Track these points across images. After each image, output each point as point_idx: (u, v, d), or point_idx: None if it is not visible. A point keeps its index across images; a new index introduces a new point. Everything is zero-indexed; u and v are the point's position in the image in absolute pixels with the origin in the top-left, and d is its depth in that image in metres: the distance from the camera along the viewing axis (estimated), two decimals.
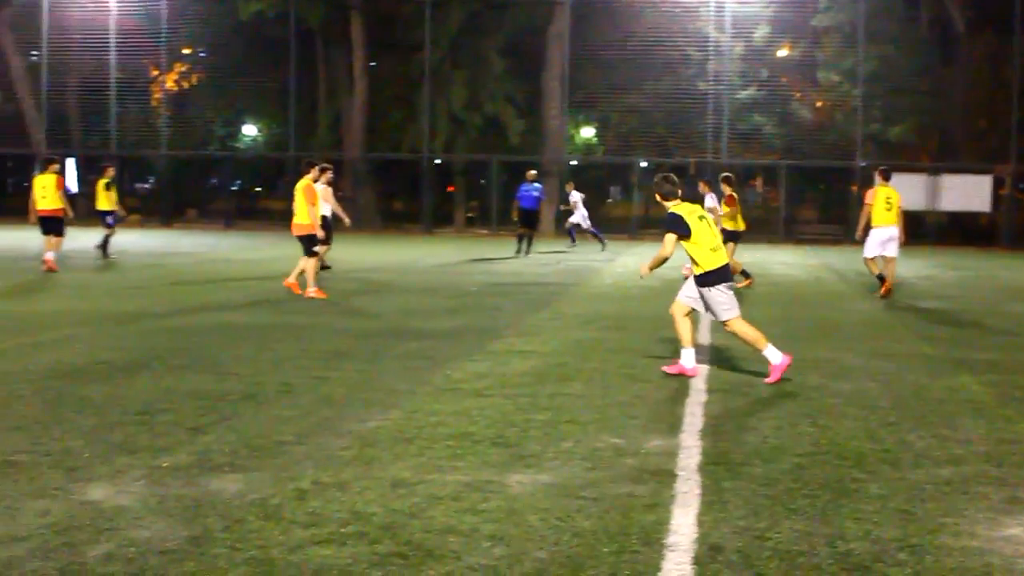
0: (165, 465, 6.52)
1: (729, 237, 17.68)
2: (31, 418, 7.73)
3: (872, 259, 17.88)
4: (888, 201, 17.55)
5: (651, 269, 10.70)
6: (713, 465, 6.69)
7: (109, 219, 23.61)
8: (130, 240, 29.40)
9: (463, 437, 7.30)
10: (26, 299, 15.86)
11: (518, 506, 5.80)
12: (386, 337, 12.09)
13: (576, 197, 30.59)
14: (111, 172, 24.04)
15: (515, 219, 27.25)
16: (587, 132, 44.10)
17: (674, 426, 7.78)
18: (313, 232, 16.21)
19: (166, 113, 40.89)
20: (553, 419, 7.94)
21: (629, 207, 41.06)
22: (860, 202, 37.20)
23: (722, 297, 9.86)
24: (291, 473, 6.36)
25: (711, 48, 37.60)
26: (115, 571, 4.79)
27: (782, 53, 39.23)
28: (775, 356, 9.70)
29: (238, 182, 44.43)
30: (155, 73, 40.77)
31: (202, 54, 43.17)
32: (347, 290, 17.37)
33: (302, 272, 16.44)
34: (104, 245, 23.23)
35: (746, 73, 37.91)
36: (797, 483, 6.35)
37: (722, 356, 11.07)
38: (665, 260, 10.29)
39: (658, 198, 10.28)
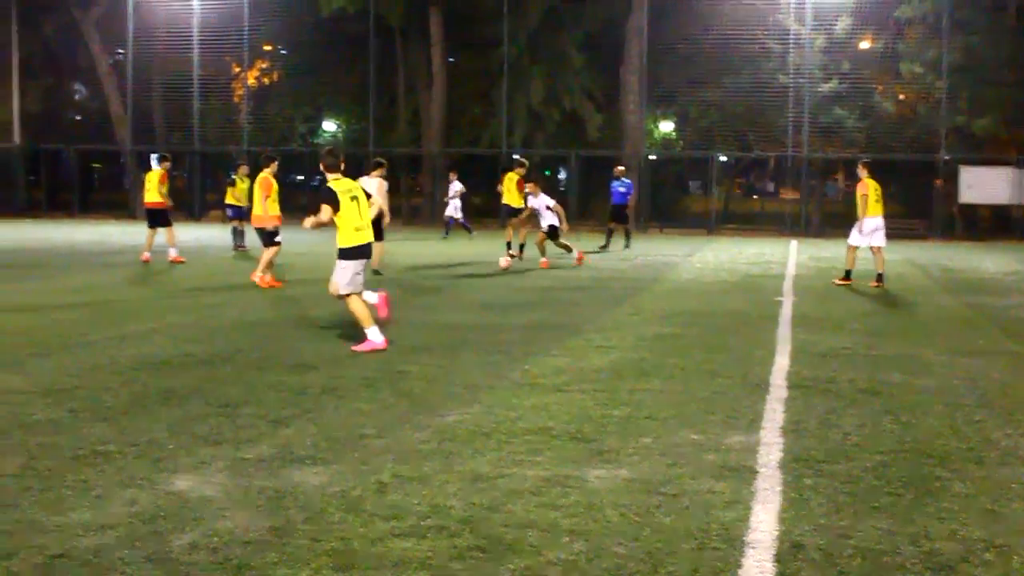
0: (248, 457, 6.61)
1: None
2: (118, 409, 7.89)
3: (855, 248, 18.57)
4: (877, 192, 18.49)
5: (312, 227, 11.34)
6: (794, 462, 6.63)
7: (230, 211, 24.85)
8: (214, 234, 29.80)
9: (542, 432, 7.31)
10: (113, 292, 16.15)
11: (597, 501, 5.80)
12: (465, 332, 12.13)
13: (457, 188, 32.05)
14: (244, 170, 24.61)
15: (608, 214, 27.73)
16: (666, 126, 43.86)
17: (754, 422, 7.73)
18: (266, 225, 16.78)
19: (247, 109, 41.38)
20: (632, 414, 7.92)
21: (708, 202, 40.74)
22: (944, 197, 36.69)
23: (349, 273, 10.91)
24: (371, 466, 6.42)
25: (791, 41, 37.18)
26: (200, 560, 4.87)
27: (864, 45, 38.68)
28: (376, 336, 10.71)
29: (318, 177, 44.75)
30: (237, 70, 41.27)
31: (283, 51, 43.61)
32: (425, 284, 17.46)
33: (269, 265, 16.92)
34: (238, 235, 24.56)
35: (827, 66, 37.43)
36: (880, 481, 6.28)
37: (803, 353, 10.95)
38: (322, 224, 11.02)
39: (322, 167, 11.25)
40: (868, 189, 18.32)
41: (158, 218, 21.10)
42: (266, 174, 17.06)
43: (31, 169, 44.02)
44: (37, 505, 5.62)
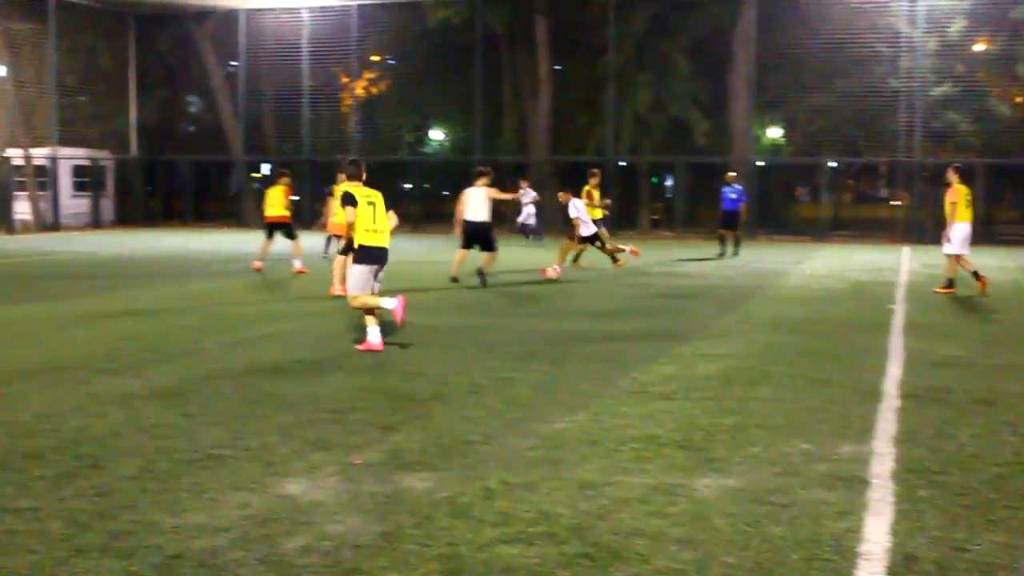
0: (358, 462, 6.69)
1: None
2: (231, 414, 8.04)
3: (961, 256, 17.89)
4: (967, 197, 17.88)
5: (345, 232, 11.91)
6: (908, 473, 6.51)
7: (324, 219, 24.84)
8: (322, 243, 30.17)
9: (650, 440, 7.28)
10: (226, 299, 16.47)
11: (706, 510, 5.76)
12: (572, 339, 12.14)
13: (531, 195, 31.83)
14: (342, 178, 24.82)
15: (718, 221, 27.46)
16: (774, 132, 43.35)
17: (866, 432, 7.60)
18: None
19: (356, 119, 41.90)
20: (741, 423, 7.84)
21: (817, 208, 40.17)
22: None
23: (361, 276, 11.44)
24: (479, 472, 6.45)
25: (903, 44, 36.50)
26: (311, 563, 4.95)
27: (979, 47, 37.80)
28: (375, 336, 11.19)
29: (426, 186, 45.23)
30: (345, 80, 41.80)
31: (391, 61, 44.08)
32: (532, 292, 17.49)
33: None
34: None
35: (940, 69, 36.65)
36: (997, 493, 6.13)
37: (917, 362, 10.75)
38: (351, 226, 11.48)
39: (344, 176, 12.00)
40: (958, 195, 17.71)
41: (282, 231, 21.32)
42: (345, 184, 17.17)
43: (147, 179, 45.11)
44: (154, 507, 5.76)
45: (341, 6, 39.78)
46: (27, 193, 37.61)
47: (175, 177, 45.13)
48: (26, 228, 36.86)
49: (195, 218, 43.03)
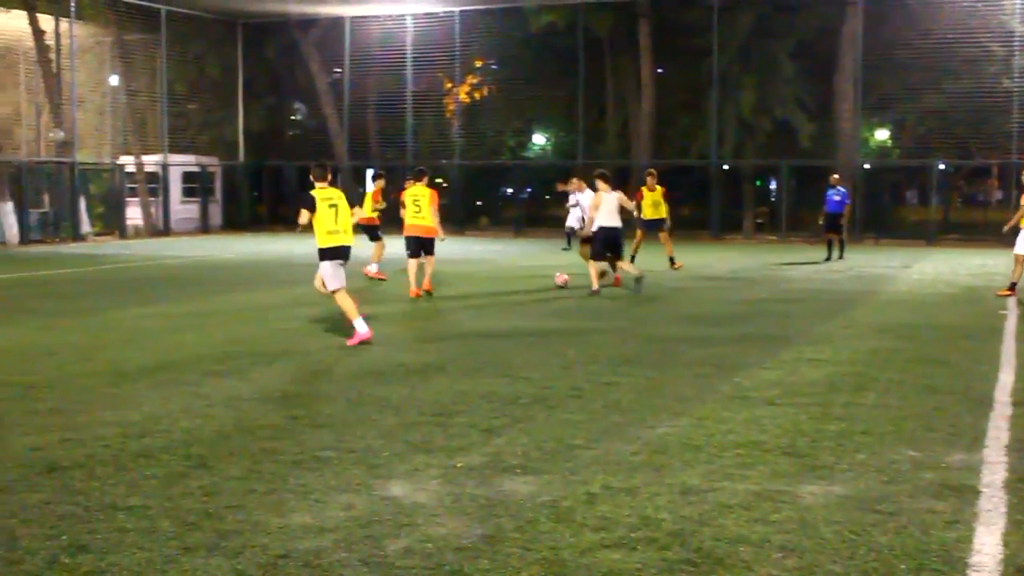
0: (460, 465, 6.73)
1: None
2: (336, 417, 8.15)
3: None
4: None
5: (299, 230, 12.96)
6: (1020, 483, 6.35)
7: None
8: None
9: (753, 446, 7.21)
10: (328, 303, 16.66)
11: (810, 518, 5.68)
12: (674, 343, 12.06)
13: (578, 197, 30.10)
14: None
15: (820, 223, 26.96)
16: (881, 134, 42.59)
17: (977, 440, 7.43)
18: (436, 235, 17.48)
19: (458, 124, 42.13)
20: (846, 430, 7.73)
21: (926, 211, 39.34)
22: None
23: (329, 270, 12.24)
24: (581, 476, 6.45)
25: (1016, 43, 35.63)
26: (413, 565, 4.99)
27: None
28: (362, 327, 11.96)
29: (528, 190, 45.30)
30: (448, 86, 42.05)
31: (493, 66, 44.23)
32: (635, 296, 17.38)
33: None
34: None
35: None
36: None
37: None
38: (303, 226, 12.60)
39: (311, 177, 12.45)
40: None
41: (368, 233, 21.43)
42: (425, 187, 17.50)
43: (254, 185, 45.85)
44: (261, 507, 5.86)
45: (444, 12, 40.04)
46: (139, 199, 38.50)
47: (281, 183, 45.81)
48: (138, 233, 37.73)
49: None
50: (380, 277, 20.34)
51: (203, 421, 7.99)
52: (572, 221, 29.48)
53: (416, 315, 15.06)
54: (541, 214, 42.53)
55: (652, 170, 24.25)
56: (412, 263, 17.18)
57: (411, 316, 14.94)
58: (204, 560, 5.04)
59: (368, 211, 21.31)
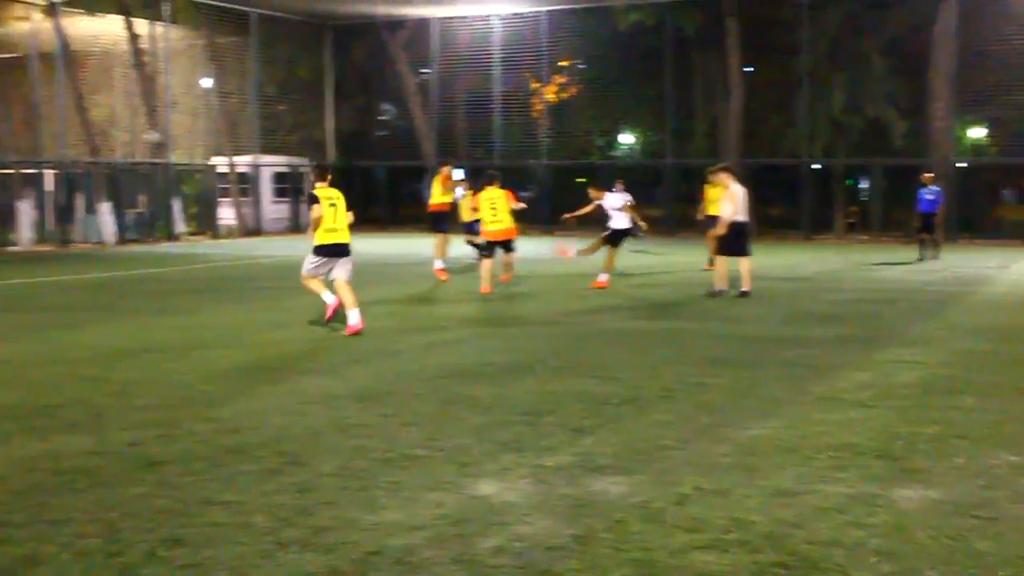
0: (549, 464, 6.73)
1: None
2: (426, 415, 8.20)
3: None
4: None
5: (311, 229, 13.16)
6: None
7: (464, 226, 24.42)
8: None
9: (846, 448, 7.11)
10: (419, 302, 16.80)
11: (906, 522, 5.59)
12: (765, 344, 11.95)
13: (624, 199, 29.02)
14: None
15: (914, 224, 26.53)
16: (977, 132, 41.75)
17: None
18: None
19: (546, 124, 42.12)
20: (942, 433, 7.59)
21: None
22: None
23: (311, 262, 13.10)
24: (672, 478, 6.41)
25: None
26: (504, 564, 5.00)
27: None
28: (354, 318, 12.68)
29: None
30: (535, 85, 42.06)
31: (580, 66, 44.16)
32: (727, 296, 17.18)
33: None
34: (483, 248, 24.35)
35: None
36: None
37: None
38: (317, 224, 12.94)
39: (313, 177, 13.41)
40: None
41: (438, 223, 21.33)
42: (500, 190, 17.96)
43: (343, 185, 46.26)
44: (353, 504, 5.91)
45: (531, 12, 40.08)
46: (231, 199, 39.09)
47: (370, 183, 46.19)
48: (230, 233, 38.30)
49: (391, 223, 43.95)
50: (442, 277, 20.12)
51: (296, 418, 8.09)
52: (622, 223, 29.10)
53: (502, 315, 15.09)
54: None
55: (714, 168, 24.14)
56: (488, 263, 17.41)
57: (497, 316, 14.97)
58: (298, 555, 5.10)
59: (437, 198, 21.39)
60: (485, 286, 17.13)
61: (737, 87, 39.41)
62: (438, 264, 20.63)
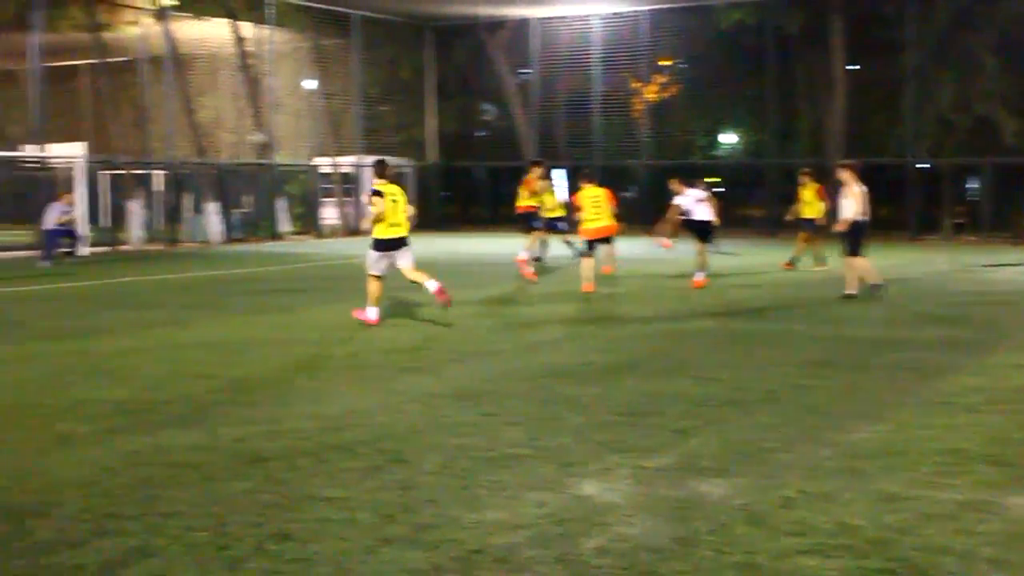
0: (651, 465, 6.69)
1: None
2: (528, 415, 8.21)
3: None
4: None
5: (372, 220, 13.58)
6: None
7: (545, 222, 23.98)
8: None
9: (956, 453, 6.96)
10: (519, 302, 16.82)
11: (1020, 530, 5.46)
12: (870, 346, 11.75)
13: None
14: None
15: None
16: None
17: None
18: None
19: (646, 124, 41.94)
20: None
21: None
22: None
23: (373, 257, 13.52)
24: (776, 481, 6.33)
25: None
26: (607, 564, 4.98)
27: None
28: (372, 314, 13.50)
29: (719, 190, 44.74)
30: (636, 85, 41.91)
31: (681, 65, 43.91)
32: (829, 296, 16.91)
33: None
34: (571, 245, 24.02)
35: None
36: None
37: None
38: (379, 218, 13.32)
39: (373, 173, 13.80)
40: None
41: (525, 221, 21.60)
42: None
43: (445, 185, 46.57)
44: (455, 502, 5.94)
45: (631, 12, 39.94)
46: (334, 199, 39.59)
47: (472, 183, 46.43)
48: (333, 232, 38.78)
49: (492, 223, 44.14)
50: (529, 276, 19.83)
51: (398, 416, 8.16)
52: (705, 215, 28.46)
53: (601, 314, 15.05)
54: (732, 213, 41.99)
55: (805, 169, 24.04)
56: (588, 261, 17.36)
57: (596, 315, 14.94)
58: (401, 552, 5.14)
59: (524, 200, 21.53)
60: (587, 285, 17.10)
61: (841, 85, 38.85)
62: (522, 255, 20.45)
